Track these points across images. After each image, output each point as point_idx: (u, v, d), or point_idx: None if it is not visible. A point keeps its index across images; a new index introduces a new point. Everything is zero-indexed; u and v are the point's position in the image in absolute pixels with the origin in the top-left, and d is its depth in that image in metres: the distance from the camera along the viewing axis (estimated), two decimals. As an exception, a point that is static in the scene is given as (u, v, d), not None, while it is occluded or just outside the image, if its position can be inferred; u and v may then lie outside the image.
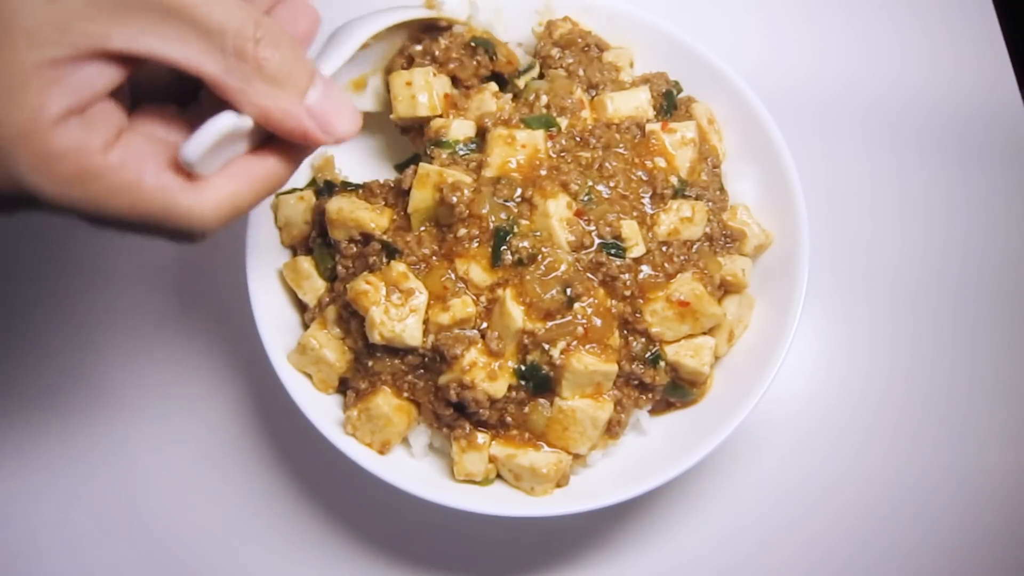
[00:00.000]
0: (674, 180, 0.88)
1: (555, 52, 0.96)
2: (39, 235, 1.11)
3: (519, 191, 0.84)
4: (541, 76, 0.96)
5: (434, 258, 0.83)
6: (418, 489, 0.82)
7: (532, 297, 0.80)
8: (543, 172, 0.85)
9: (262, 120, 0.61)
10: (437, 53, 0.91)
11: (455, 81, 0.92)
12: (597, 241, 0.83)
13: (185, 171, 0.59)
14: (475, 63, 0.92)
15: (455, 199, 0.80)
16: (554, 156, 0.87)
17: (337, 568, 0.98)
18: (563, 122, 0.89)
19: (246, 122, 0.61)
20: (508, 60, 0.95)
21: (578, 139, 0.88)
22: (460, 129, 0.88)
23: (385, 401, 0.84)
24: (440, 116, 0.90)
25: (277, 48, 0.59)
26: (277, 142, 0.64)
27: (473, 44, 0.92)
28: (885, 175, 1.17)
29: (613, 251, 0.83)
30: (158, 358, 1.06)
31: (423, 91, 0.89)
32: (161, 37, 0.54)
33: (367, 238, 0.86)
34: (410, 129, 0.94)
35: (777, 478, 1.02)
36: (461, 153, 0.87)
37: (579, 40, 0.97)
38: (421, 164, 0.84)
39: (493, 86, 0.93)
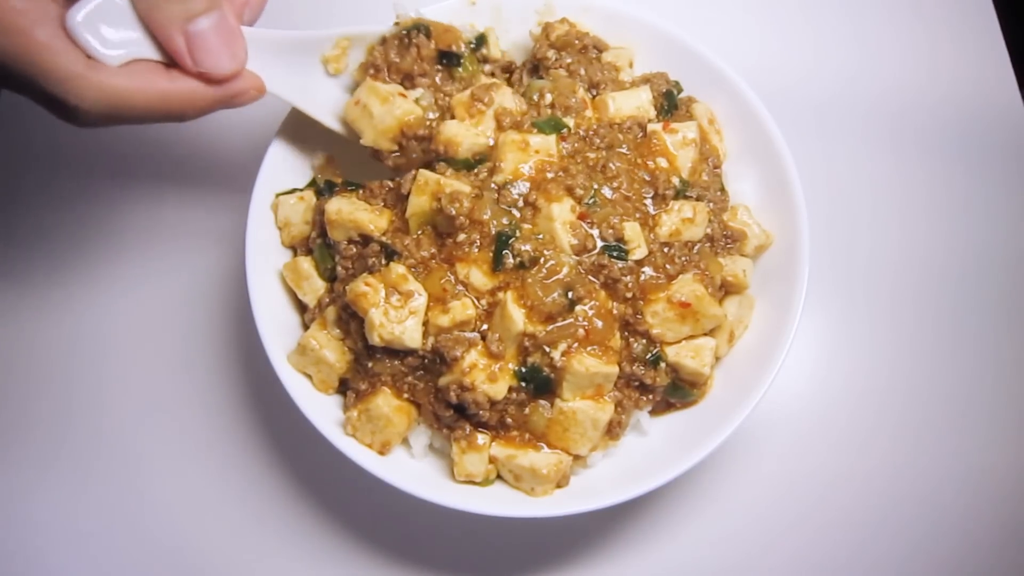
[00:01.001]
0: (676, 181, 0.88)
1: (551, 54, 0.96)
2: (39, 234, 1.11)
3: (522, 193, 0.83)
4: (539, 76, 0.96)
5: (433, 261, 0.83)
6: (418, 490, 0.82)
7: (533, 300, 0.80)
8: (550, 175, 0.84)
9: (144, 23, 0.66)
10: (377, 62, 0.90)
11: (410, 80, 0.90)
12: (600, 244, 0.83)
13: (87, 52, 0.64)
14: (414, 48, 0.89)
15: (454, 211, 0.80)
16: (566, 157, 0.86)
17: (337, 568, 0.98)
18: (570, 121, 0.89)
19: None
20: (445, 30, 0.91)
21: (584, 138, 0.88)
22: (470, 143, 0.85)
23: (385, 402, 0.84)
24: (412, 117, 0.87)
25: None
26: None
27: (405, 34, 0.90)
28: (885, 175, 1.17)
29: (615, 253, 0.82)
30: (158, 358, 1.06)
31: (371, 97, 0.86)
32: None
33: (366, 239, 0.86)
34: (381, 152, 0.90)
35: (777, 478, 1.02)
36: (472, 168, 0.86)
37: (576, 42, 0.96)
38: (420, 171, 0.84)
39: (507, 89, 0.90)
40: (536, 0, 1.00)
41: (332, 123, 0.91)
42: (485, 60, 0.94)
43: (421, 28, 0.90)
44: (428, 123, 0.87)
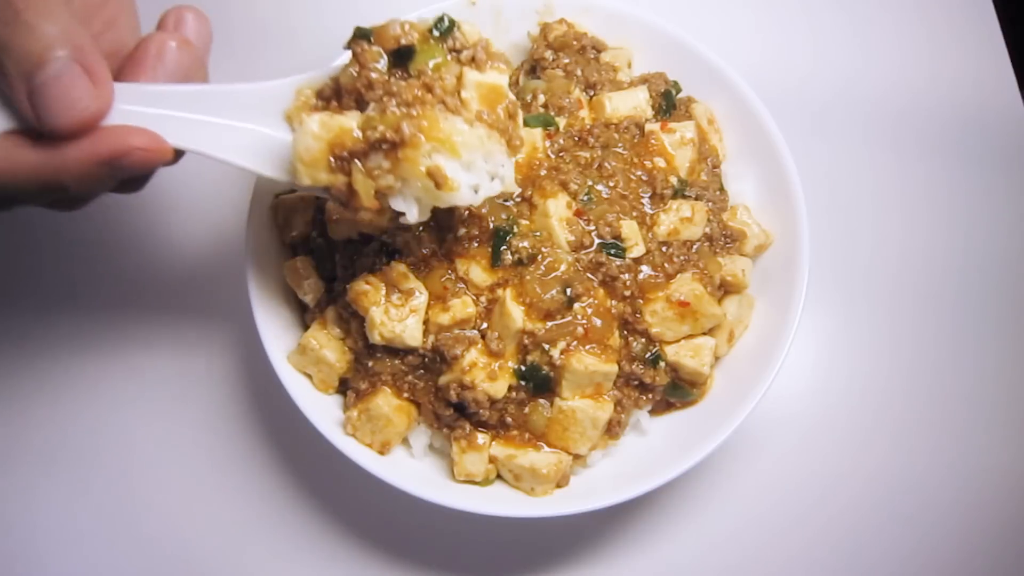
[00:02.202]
0: (674, 180, 0.88)
1: (548, 54, 0.96)
2: (39, 238, 1.11)
3: (519, 190, 0.84)
4: (537, 77, 0.96)
5: (434, 258, 0.83)
6: (418, 489, 0.82)
7: (532, 297, 0.80)
8: (543, 172, 0.85)
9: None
10: (325, 92, 0.73)
11: (360, 101, 0.71)
12: (597, 241, 0.83)
13: None
14: (356, 55, 0.72)
15: None
16: (552, 156, 0.87)
17: (337, 568, 0.98)
18: (561, 122, 0.89)
19: None
20: (383, 27, 0.72)
21: (577, 139, 0.88)
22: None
23: (385, 401, 0.84)
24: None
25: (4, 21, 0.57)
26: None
27: (347, 49, 0.73)
28: (885, 175, 1.17)
29: (613, 251, 0.83)
30: (158, 358, 1.06)
31: (295, 127, 0.71)
32: None
33: (367, 238, 0.86)
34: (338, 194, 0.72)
35: (777, 478, 1.02)
36: None
37: (574, 42, 0.96)
38: None
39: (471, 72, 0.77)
40: (536, 0, 1.00)
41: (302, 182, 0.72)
42: (457, 49, 0.74)
43: (361, 35, 0.72)
44: (376, 133, 0.68)
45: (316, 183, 0.70)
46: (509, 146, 0.75)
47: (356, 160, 0.69)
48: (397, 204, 0.71)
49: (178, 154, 0.69)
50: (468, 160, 0.71)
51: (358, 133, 0.68)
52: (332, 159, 0.69)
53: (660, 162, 0.89)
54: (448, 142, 0.69)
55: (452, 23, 0.75)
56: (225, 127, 0.70)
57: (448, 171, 0.69)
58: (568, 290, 0.81)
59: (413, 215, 0.72)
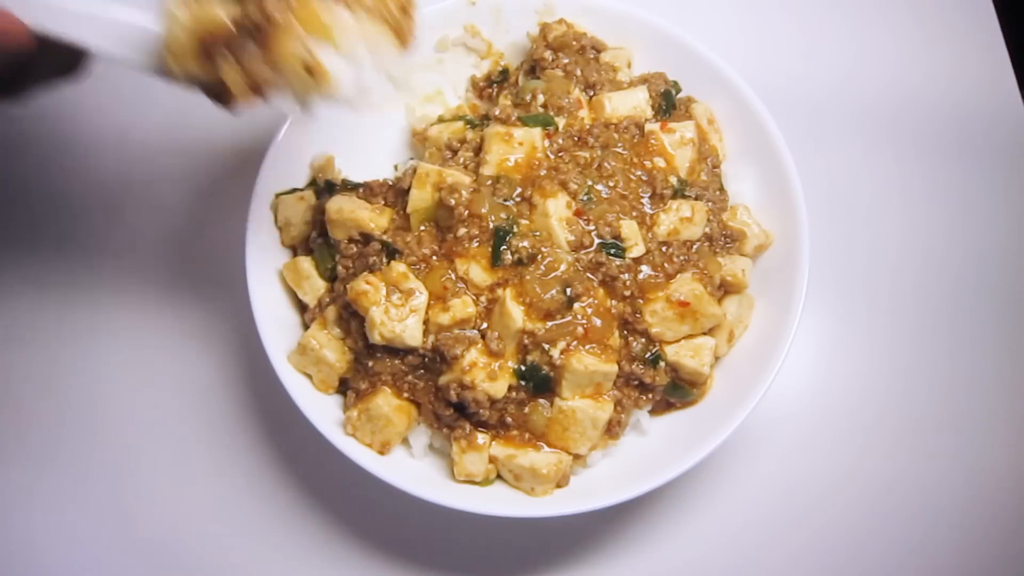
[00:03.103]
0: (673, 180, 0.88)
1: (547, 55, 0.96)
2: (39, 236, 1.11)
3: (518, 190, 0.84)
4: (536, 77, 0.96)
5: (434, 258, 0.83)
6: (418, 489, 0.82)
7: (532, 297, 0.80)
8: (542, 172, 0.85)
9: None
10: None
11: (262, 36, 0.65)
12: (597, 241, 0.83)
13: None
14: None
15: (453, 201, 0.80)
16: (552, 156, 0.87)
17: (337, 568, 0.98)
18: (560, 121, 0.89)
19: None
20: None
21: (576, 138, 0.88)
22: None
23: (385, 401, 0.84)
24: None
25: None
26: None
27: None
28: (885, 175, 1.17)
29: (613, 251, 0.83)
30: (157, 358, 1.06)
31: (163, 16, 0.65)
32: None
33: (367, 238, 0.86)
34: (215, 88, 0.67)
35: (777, 478, 1.02)
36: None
37: (574, 42, 0.96)
38: (420, 164, 0.84)
39: None
40: (536, 0, 1.00)
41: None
42: None
43: None
44: (246, 18, 0.63)
45: (187, 74, 0.65)
46: (399, 38, 0.69)
47: (226, 50, 0.64)
48: (277, 100, 0.67)
49: (47, 46, 0.63)
50: (350, 52, 0.66)
51: (228, 21, 0.64)
52: (202, 48, 0.64)
53: (660, 162, 0.89)
54: (321, 26, 0.64)
55: None
56: (90, 9, 0.66)
57: (325, 61, 0.65)
58: (568, 290, 0.81)
59: (294, 111, 0.68)
